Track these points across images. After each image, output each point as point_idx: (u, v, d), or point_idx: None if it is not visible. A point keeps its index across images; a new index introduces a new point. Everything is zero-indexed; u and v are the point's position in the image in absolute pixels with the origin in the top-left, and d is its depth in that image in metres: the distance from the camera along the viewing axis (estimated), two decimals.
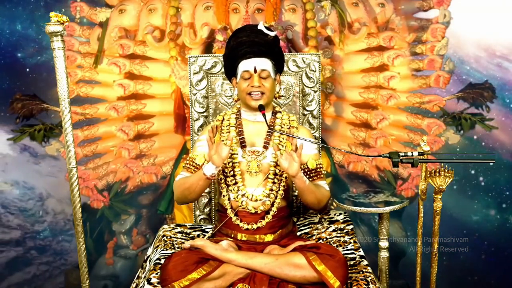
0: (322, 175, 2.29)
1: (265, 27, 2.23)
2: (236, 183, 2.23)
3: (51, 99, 3.07)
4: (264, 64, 2.21)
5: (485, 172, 3.08)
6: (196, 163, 2.27)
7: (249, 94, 2.22)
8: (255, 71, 2.20)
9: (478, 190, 3.10)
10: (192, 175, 2.22)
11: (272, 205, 2.23)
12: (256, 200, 2.21)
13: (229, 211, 2.23)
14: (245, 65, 2.21)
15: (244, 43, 2.20)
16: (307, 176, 2.25)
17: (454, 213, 3.11)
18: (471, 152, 3.07)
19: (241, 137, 2.27)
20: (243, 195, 2.22)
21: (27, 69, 3.06)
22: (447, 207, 3.06)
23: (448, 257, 3.15)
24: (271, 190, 2.22)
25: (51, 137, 3.12)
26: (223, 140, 2.24)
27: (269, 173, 2.22)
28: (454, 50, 3.02)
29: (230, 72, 2.32)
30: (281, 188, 2.24)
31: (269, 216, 2.22)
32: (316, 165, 2.27)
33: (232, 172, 2.23)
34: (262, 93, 2.21)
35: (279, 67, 2.31)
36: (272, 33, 2.22)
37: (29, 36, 3.05)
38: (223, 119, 2.35)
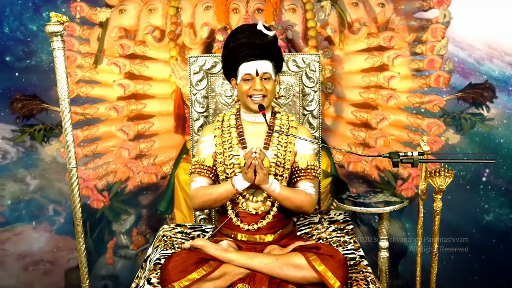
0: (310, 177, 2.25)
1: (264, 26, 2.22)
2: None
3: (51, 99, 3.07)
4: (266, 66, 2.21)
5: (496, 171, 3.08)
6: (206, 165, 2.27)
7: (250, 96, 2.21)
8: (257, 74, 2.19)
9: (487, 190, 3.11)
10: (217, 186, 2.23)
11: (272, 205, 2.23)
12: (256, 201, 2.21)
13: (230, 211, 2.23)
14: (247, 68, 2.20)
15: (245, 45, 2.19)
16: (295, 175, 2.26)
17: (459, 211, 3.11)
18: (471, 153, 3.07)
19: (241, 138, 2.27)
20: (243, 196, 2.22)
21: (16, 73, 3.04)
22: (455, 206, 3.08)
23: (448, 257, 3.15)
24: None
25: (51, 137, 3.12)
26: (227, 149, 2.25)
27: (269, 173, 2.21)
28: (454, 50, 3.02)
29: (229, 72, 2.31)
30: None
31: (270, 217, 2.22)
32: (307, 165, 2.25)
33: (233, 173, 2.23)
34: (264, 96, 2.21)
35: (278, 67, 2.30)
36: (271, 33, 2.21)
37: (17, 39, 3.02)
38: (223, 120, 2.34)
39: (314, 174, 2.26)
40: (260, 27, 2.21)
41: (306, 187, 2.24)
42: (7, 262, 3.21)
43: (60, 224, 3.17)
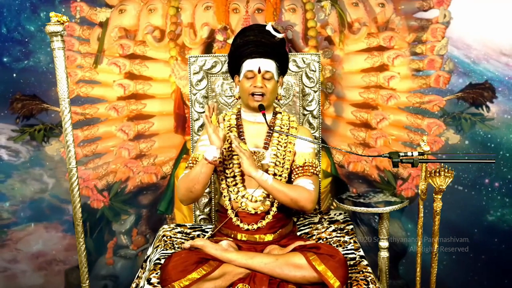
0: (308, 173, 2.22)
1: (273, 28, 2.23)
2: (236, 184, 2.23)
3: (51, 99, 3.07)
4: (269, 65, 2.21)
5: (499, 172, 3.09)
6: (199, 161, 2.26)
7: (251, 94, 2.21)
8: (259, 71, 2.19)
9: (492, 189, 3.11)
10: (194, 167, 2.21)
11: (272, 205, 2.23)
12: (256, 201, 2.21)
13: (229, 211, 2.23)
14: (250, 64, 2.21)
15: (251, 42, 2.20)
16: (294, 173, 2.24)
17: (461, 212, 3.12)
18: (471, 153, 3.07)
19: (242, 138, 2.27)
20: (243, 196, 2.22)
21: (14, 74, 3.04)
22: (457, 206, 3.09)
23: (449, 257, 3.15)
24: None
25: (51, 137, 3.12)
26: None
27: (268, 173, 2.21)
28: (454, 50, 3.02)
29: (233, 69, 2.31)
30: None
31: (269, 217, 2.22)
32: (304, 162, 2.23)
33: (232, 173, 2.23)
34: (264, 95, 2.21)
35: (283, 70, 2.30)
36: (279, 35, 2.22)
37: (15, 39, 3.01)
38: (224, 120, 2.34)
39: (312, 171, 2.23)
40: (269, 28, 2.22)
41: (305, 183, 2.20)
42: (21, 261, 3.21)
43: (70, 223, 3.17)
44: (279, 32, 2.24)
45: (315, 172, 2.24)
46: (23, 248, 3.19)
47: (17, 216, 3.16)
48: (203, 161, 2.11)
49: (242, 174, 2.23)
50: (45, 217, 3.17)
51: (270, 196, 2.22)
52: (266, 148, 2.26)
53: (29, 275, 3.22)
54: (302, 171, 2.23)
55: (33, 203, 3.15)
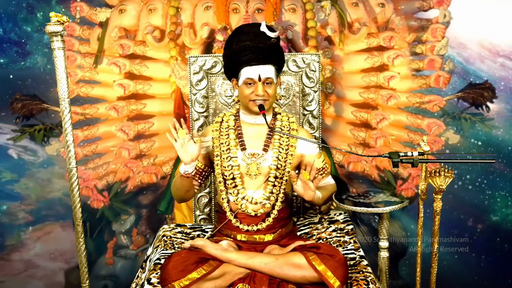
0: (327, 171, 2.36)
1: (267, 26, 2.19)
2: (235, 185, 2.22)
3: (50, 100, 3.07)
4: (268, 71, 2.18)
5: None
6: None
7: (252, 100, 2.20)
8: (260, 79, 2.17)
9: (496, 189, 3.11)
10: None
11: (273, 207, 2.22)
12: (256, 203, 2.21)
13: (228, 213, 2.23)
14: (249, 72, 2.17)
15: (248, 48, 2.15)
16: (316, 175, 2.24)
17: (464, 212, 3.11)
18: (471, 153, 3.07)
19: (240, 139, 2.26)
20: (242, 198, 2.22)
21: (11, 76, 3.03)
22: (459, 206, 3.09)
23: (451, 257, 3.15)
24: (271, 192, 2.21)
25: (51, 137, 3.12)
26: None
27: (269, 176, 2.21)
28: (454, 50, 3.02)
29: (230, 73, 2.29)
30: (282, 191, 2.23)
31: (270, 219, 2.21)
32: (324, 162, 2.33)
33: (231, 175, 2.22)
34: (265, 100, 2.20)
35: (280, 69, 2.29)
36: (274, 34, 2.17)
37: (11, 40, 3.01)
38: (222, 120, 2.34)
39: (327, 168, 2.37)
40: (263, 28, 2.17)
41: (328, 180, 2.37)
42: (40, 261, 3.22)
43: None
44: (273, 31, 2.19)
45: (328, 167, 2.39)
46: (42, 248, 3.20)
47: (33, 215, 3.16)
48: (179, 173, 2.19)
49: (242, 176, 2.23)
50: (61, 216, 3.17)
51: (271, 198, 2.22)
52: (266, 150, 2.24)
53: (51, 274, 3.22)
54: (323, 171, 2.34)
55: (47, 202, 3.16)
